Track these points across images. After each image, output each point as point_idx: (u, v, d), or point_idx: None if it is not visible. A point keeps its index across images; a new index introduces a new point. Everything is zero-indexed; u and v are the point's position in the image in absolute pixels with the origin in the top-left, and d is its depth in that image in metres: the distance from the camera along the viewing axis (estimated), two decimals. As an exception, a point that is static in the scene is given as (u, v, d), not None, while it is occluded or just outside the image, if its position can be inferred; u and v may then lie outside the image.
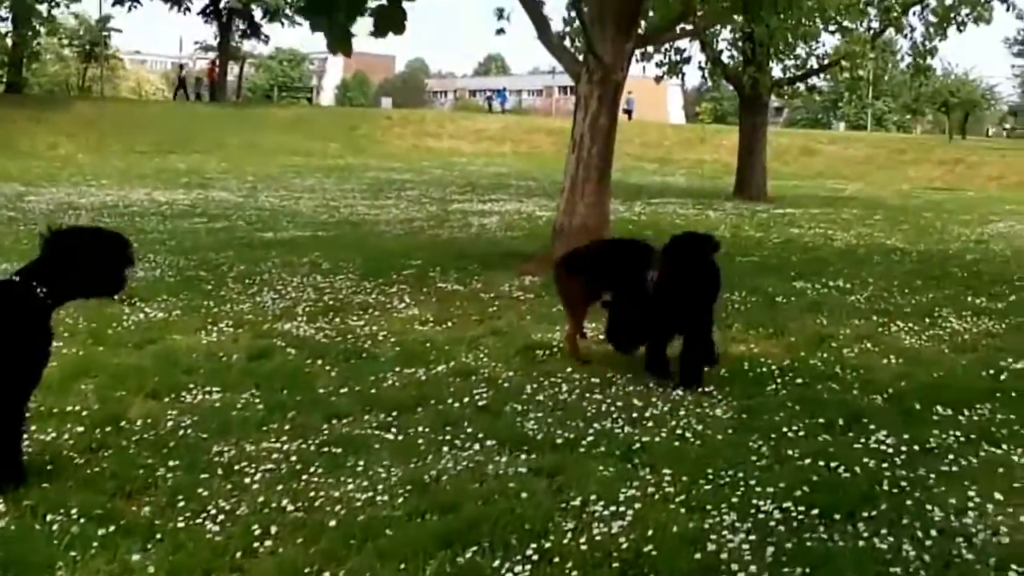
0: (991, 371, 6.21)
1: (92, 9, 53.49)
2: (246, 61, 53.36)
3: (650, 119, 48.89)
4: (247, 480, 4.07)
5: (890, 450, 4.62)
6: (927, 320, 7.91)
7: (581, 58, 10.75)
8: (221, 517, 3.70)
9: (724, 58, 22.03)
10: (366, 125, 40.66)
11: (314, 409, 5.19)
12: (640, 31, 11.49)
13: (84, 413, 4.91)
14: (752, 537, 3.58)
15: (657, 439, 4.76)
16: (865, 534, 3.66)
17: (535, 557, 3.40)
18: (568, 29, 15.59)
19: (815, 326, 7.60)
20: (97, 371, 5.76)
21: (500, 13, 11.40)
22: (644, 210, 17.92)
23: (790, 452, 4.52)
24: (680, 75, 22.02)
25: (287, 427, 4.87)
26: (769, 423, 5.01)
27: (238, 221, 14.65)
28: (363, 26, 5.32)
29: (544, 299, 8.56)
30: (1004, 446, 4.77)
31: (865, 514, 3.82)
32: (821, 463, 4.38)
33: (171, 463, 4.25)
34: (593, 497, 3.92)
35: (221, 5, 46.55)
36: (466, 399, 5.44)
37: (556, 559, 3.40)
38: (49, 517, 3.62)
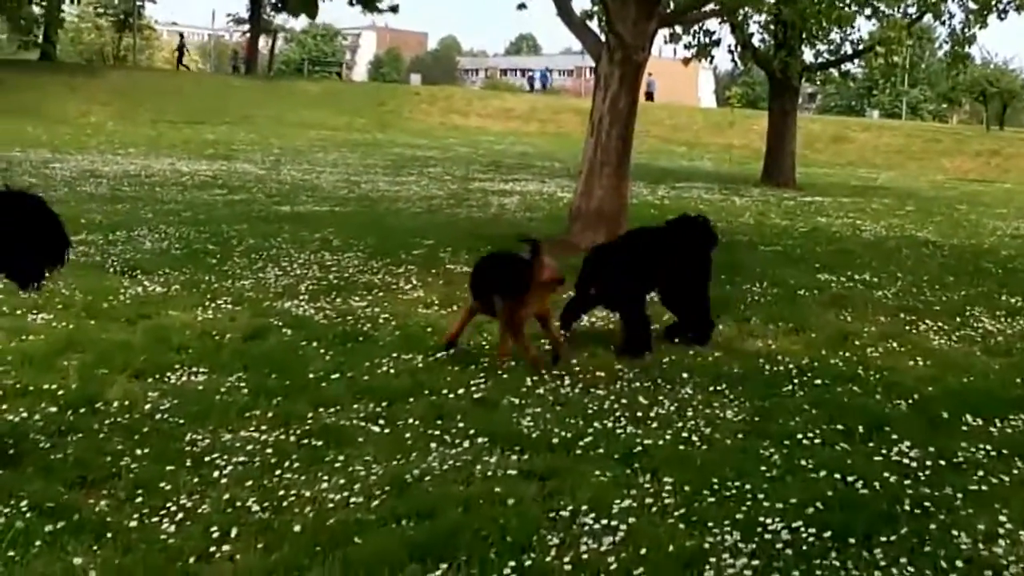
0: (1026, 377, 5.83)
1: (126, -22, 53.62)
2: (278, 35, 53.23)
3: (680, 102, 48.16)
4: (216, 474, 3.80)
5: (913, 464, 4.27)
6: (958, 319, 7.50)
7: (603, 38, 10.36)
8: (180, 515, 3.44)
9: (755, 41, 21.45)
10: (394, 101, 40.44)
11: (301, 396, 4.93)
12: (665, 10, 11.04)
13: (60, 392, 4.68)
14: (756, 562, 3.26)
15: (660, 442, 4.44)
16: (882, 562, 3.32)
17: (514, 576, 3.11)
18: (594, 8, 15.17)
19: (838, 322, 7.23)
20: (84, 346, 5.53)
21: (521, -12, 11.07)
22: (668, 194, 17.51)
23: (804, 462, 4.18)
24: (709, 58, 21.49)
25: (270, 415, 4.60)
26: (783, 428, 4.67)
27: (257, 194, 14.50)
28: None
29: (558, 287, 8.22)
30: (1039, 462, 4.41)
31: (883, 538, 3.47)
32: (837, 476, 4.04)
33: (139, 451, 4.00)
34: (585, 507, 3.61)
35: (252, -24, 46.41)
36: (462, 390, 5.15)
37: (537, 579, 3.11)
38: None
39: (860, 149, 35.09)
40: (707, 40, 20.80)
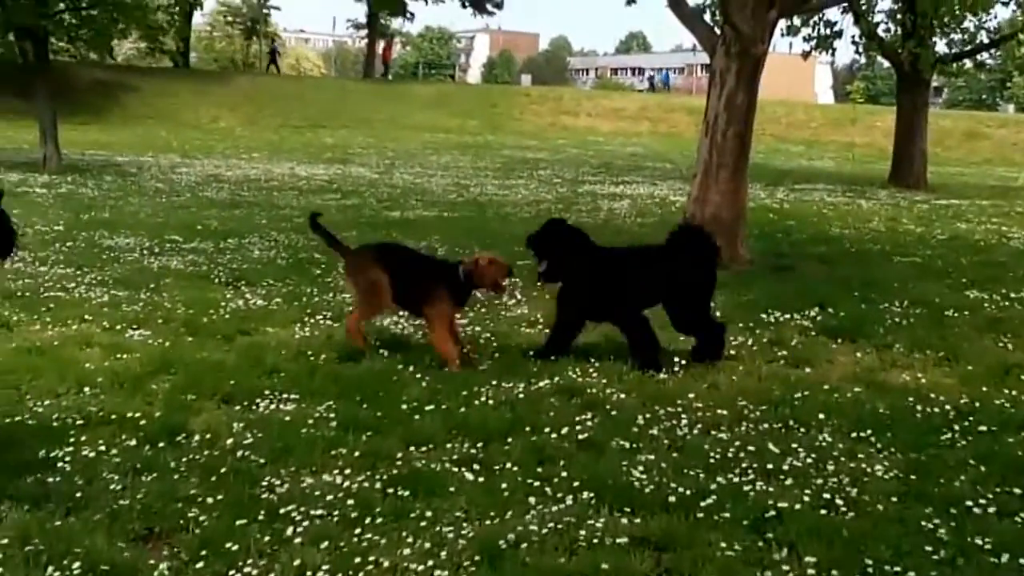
0: None
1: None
2: (394, 39, 54.18)
3: (796, 99, 46.24)
4: (289, 531, 3.42)
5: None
6: None
7: (718, 30, 9.65)
8: (242, 585, 3.06)
9: (880, 32, 20.12)
10: (504, 102, 40.33)
11: (392, 431, 4.53)
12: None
13: (143, 422, 4.42)
14: None
15: (797, 505, 3.81)
16: None
17: None
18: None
19: (997, 351, 6.37)
20: (177, 367, 5.30)
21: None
22: (787, 197, 16.55)
23: (979, 541, 3.48)
24: (830, 51, 20.29)
25: (356, 453, 4.21)
26: (946, 491, 3.97)
27: (369, 198, 14.43)
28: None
29: (670, 302, 7.62)
30: None
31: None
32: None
33: (213, 498, 3.66)
34: (711, 591, 3.06)
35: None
36: (566, 428, 4.64)
37: None
38: (49, 569, 3.07)
39: (997, 146, 32.83)
40: (828, 31, 19.68)
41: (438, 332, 5.68)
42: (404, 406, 4.85)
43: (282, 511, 3.57)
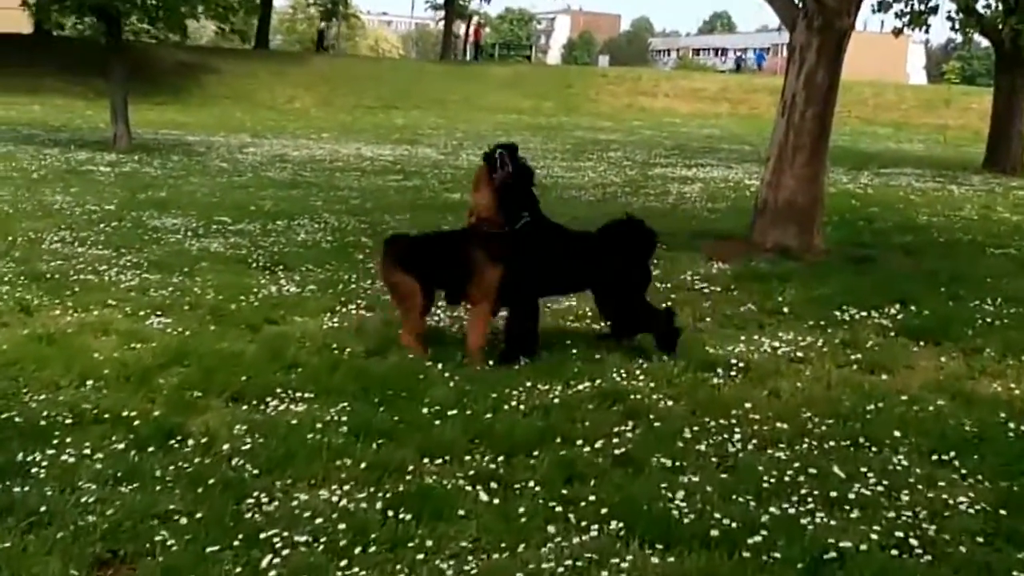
0: None
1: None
2: (472, 19, 53.92)
3: (886, 79, 44.21)
4: (266, 561, 3.01)
5: None
6: None
7: (799, 2, 8.90)
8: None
9: (980, 7, 18.79)
10: (581, 83, 39.62)
11: (408, 438, 4.10)
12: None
13: (137, 423, 4.08)
14: None
15: (863, 544, 3.24)
16: None
17: None
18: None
19: (1105, 360, 5.61)
20: (192, 359, 4.97)
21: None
22: (872, 182, 15.57)
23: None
24: (924, 27, 19.07)
25: (363, 465, 3.79)
26: (1044, 533, 3.35)
27: (431, 180, 14.10)
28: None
29: (733, 295, 7.04)
30: None
31: None
32: None
33: (191, 516, 3.28)
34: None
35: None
36: (602, 441, 4.14)
37: None
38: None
39: (1106, 130, 30.59)
40: (922, 7, 18.50)
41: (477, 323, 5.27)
42: (425, 409, 4.42)
43: (264, 535, 3.16)
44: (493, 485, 3.67)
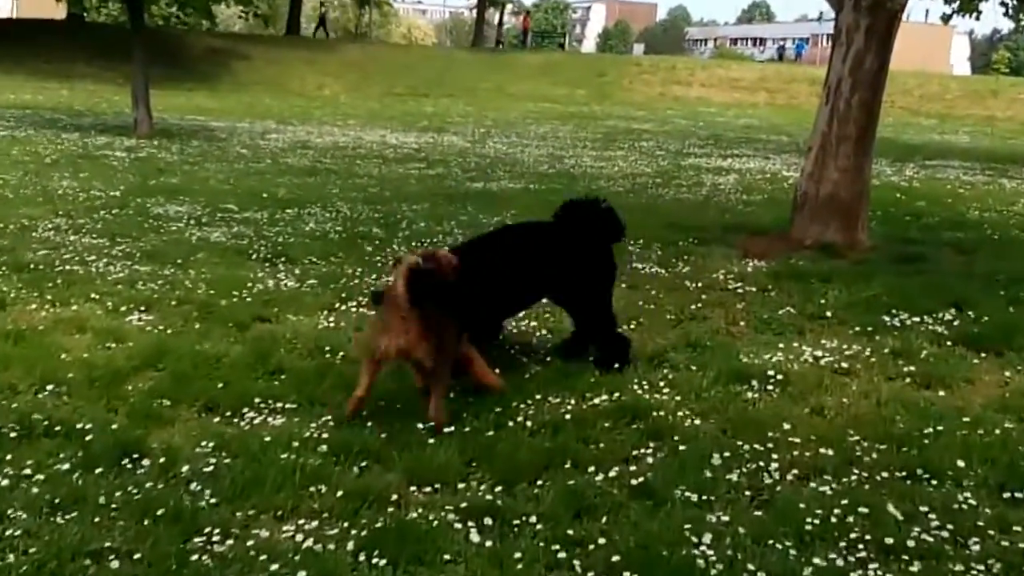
0: None
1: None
2: (505, 7, 53.37)
3: (930, 69, 42.94)
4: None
5: None
6: None
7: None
8: None
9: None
10: (614, 72, 38.88)
11: (395, 461, 3.60)
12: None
13: (90, 437, 3.62)
14: None
15: (927, 611, 2.69)
16: None
17: None
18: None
19: None
20: (167, 362, 4.52)
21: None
22: (917, 174, 14.80)
23: None
24: (975, 14, 18.14)
25: (339, 493, 3.30)
26: None
27: (454, 168, 13.62)
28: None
29: (770, 296, 6.46)
30: None
31: None
32: None
33: (125, 558, 2.81)
34: None
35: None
36: (617, 467, 3.61)
37: None
38: None
39: None
40: (974, -8, 17.58)
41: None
42: (420, 425, 3.92)
43: (206, 585, 2.68)
44: (487, 521, 3.16)
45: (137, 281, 5.96)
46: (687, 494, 3.41)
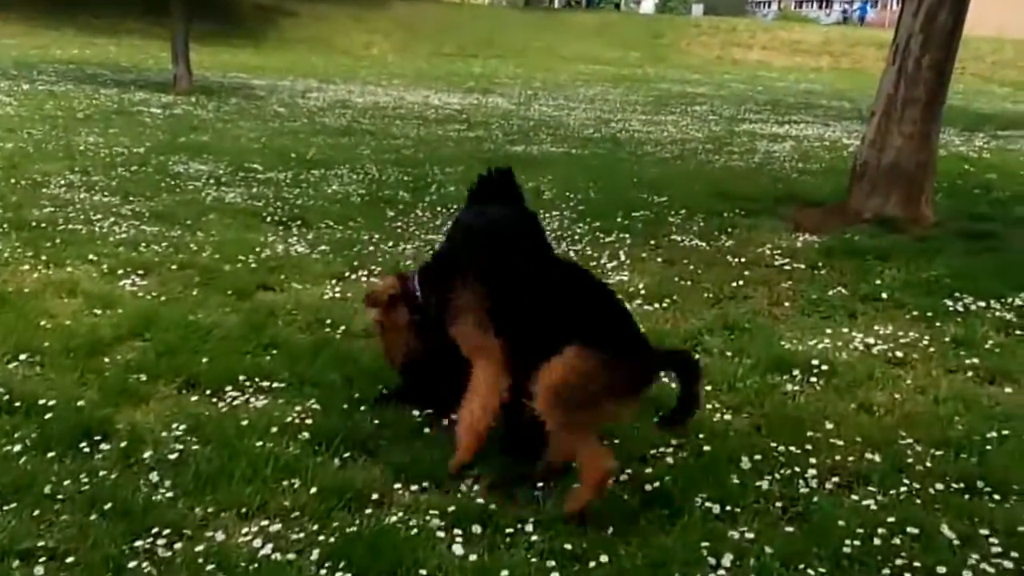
0: None
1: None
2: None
3: (1006, 34, 40.92)
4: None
5: None
6: None
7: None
8: None
9: None
10: (671, 33, 37.82)
11: (385, 453, 3.23)
12: None
13: (51, 415, 3.31)
14: None
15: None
16: None
17: None
18: None
19: None
20: (155, 331, 4.20)
21: None
22: (988, 145, 13.92)
23: None
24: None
25: (313, 490, 2.94)
26: None
27: (496, 131, 13.17)
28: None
29: (820, 275, 5.93)
30: None
31: None
32: None
33: (56, 561, 2.48)
34: None
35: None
36: (632, 469, 3.19)
37: None
38: None
39: None
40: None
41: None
42: (417, 412, 3.54)
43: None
44: (476, 529, 2.77)
45: (140, 243, 5.66)
46: (708, 504, 2.98)
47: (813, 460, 3.34)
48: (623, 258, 6.08)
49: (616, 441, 3.40)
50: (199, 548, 2.58)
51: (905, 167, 7.56)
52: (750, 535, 2.83)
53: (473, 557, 2.64)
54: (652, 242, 6.53)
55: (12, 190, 6.90)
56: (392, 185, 8.22)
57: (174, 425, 3.33)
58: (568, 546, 2.72)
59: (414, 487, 3.03)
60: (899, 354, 4.51)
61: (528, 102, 18.12)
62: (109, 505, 2.76)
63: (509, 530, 2.81)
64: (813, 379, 4.14)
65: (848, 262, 6.19)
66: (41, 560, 2.49)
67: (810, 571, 2.67)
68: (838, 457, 3.38)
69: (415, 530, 2.75)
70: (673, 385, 3.11)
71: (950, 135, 14.30)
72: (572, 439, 2.89)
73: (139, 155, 8.77)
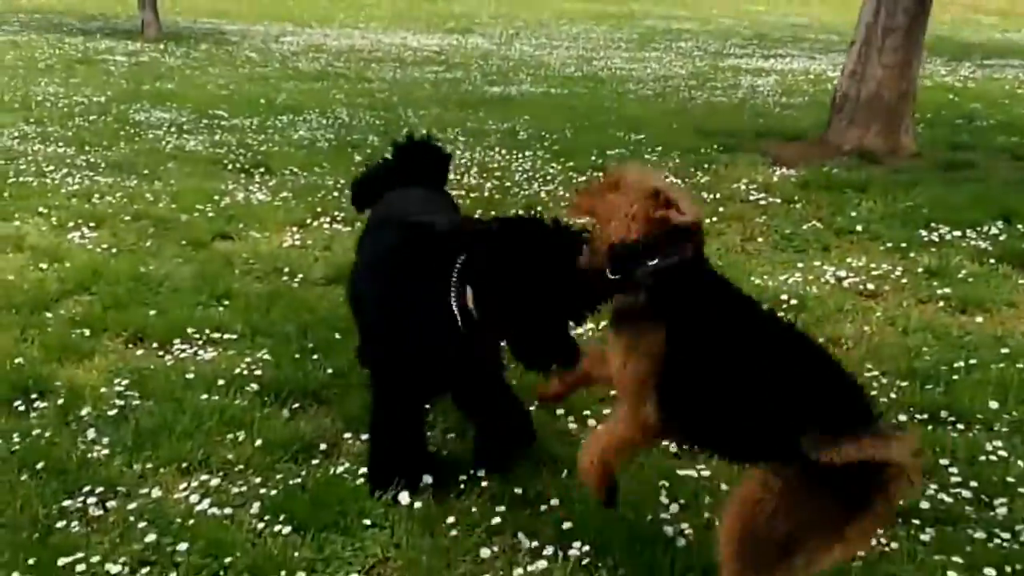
0: None
1: None
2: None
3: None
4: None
5: None
6: None
7: None
8: None
9: None
10: (659, -32, 36.96)
11: (339, 401, 3.15)
12: None
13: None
14: None
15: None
16: None
17: None
18: None
19: None
20: (102, 285, 4.07)
21: None
22: (973, 74, 13.70)
23: None
24: None
25: (259, 442, 2.85)
26: None
27: (474, 72, 12.89)
28: None
29: (795, 208, 5.82)
30: None
31: None
32: None
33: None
34: None
35: None
36: (590, 410, 3.10)
37: None
38: None
39: None
40: None
41: None
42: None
43: (64, 561, 2.25)
44: (427, 479, 2.68)
45: (94, 194, 5.49)
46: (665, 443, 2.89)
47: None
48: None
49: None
50: (132, 506, 2.50)
51: (885, 98, 7.40)
52: (707, 473, 2.76)
53: (419, 504, 2.55)
54: (625, 181, 6.38)
55: (-37, 143, 6.71)
56: (362, 129, 8.03)
57: (116, 380, 3.23)
58: (519, 490, 2.64)
59: (364, 435, 2.94)
60: (871, 286, 4.42)
61: (509, 42, 17.74)
62: (41, 464, 2.66)
63: (462, 477, 2.73)
64: (783, 314, 4.03)
65: (825, 195, 6.07)
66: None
67: None
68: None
69: (362, 479, 2.67)
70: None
71: (936, 65, 14.07)
72: None
73: (99, 105, 8.53)
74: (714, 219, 5.54)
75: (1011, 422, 3.13)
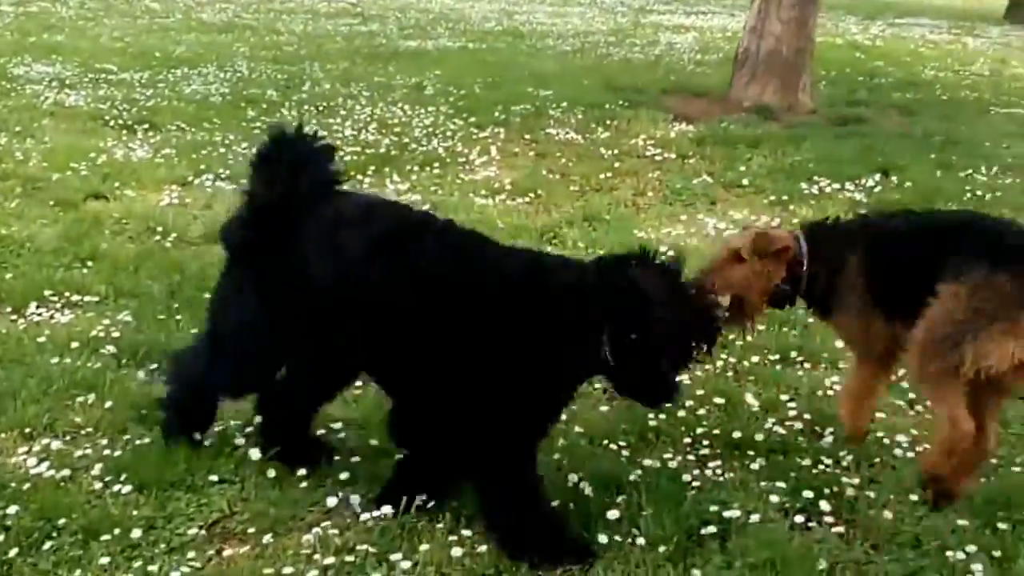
0: None
1: None
2: None
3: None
4: None
5: None
6: None
7: None
8: None
9: None
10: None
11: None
12: None
13: None
14: None
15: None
16: None
17: None
18: None
19: None
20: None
21: None
22: (883, 33, 13.98)
23: None
24: None
25: (108, 403, 2.79)
26: None
27: (390, 25, 12.65)
28: None
29: (688, 164, 5.88)
30: None
31: None
32: None
33: None
34: None
35: None
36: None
37: None
38: None
39: None
40: None
41: None
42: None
43: None
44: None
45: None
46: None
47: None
48: (494, 153, 5.93)
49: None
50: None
51: (783, 53, 7.51)
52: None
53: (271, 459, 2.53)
54: (527, 136, 6.37)
55: None
56: (261, 83, 7.81)
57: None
58: (375, 441, 2.65)
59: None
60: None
61: (433, -7, 17.39)
62: None
63: (320, 431, 2.71)
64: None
65: (719, 150, 6.16)
66: None
67: (613, 446, 2.67)
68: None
69: (214, 436, 2.63)
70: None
71: (848, 23, 14.32)
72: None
73: (-25, 60, 8.12)
74: (609, 175, 5.58)
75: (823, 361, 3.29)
